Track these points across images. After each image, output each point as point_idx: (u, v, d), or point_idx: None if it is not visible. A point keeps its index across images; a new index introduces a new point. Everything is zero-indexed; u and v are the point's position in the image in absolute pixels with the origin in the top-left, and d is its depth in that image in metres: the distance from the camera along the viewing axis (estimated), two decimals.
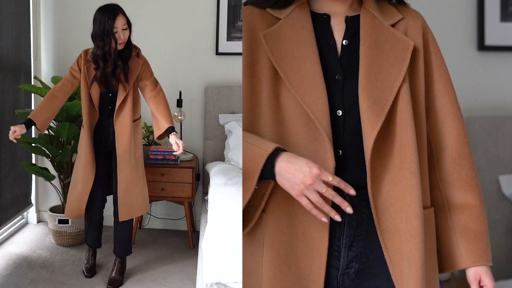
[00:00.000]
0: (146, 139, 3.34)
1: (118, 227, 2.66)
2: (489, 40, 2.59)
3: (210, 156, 3.40)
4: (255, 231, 1.26)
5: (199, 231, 3.03)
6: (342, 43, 1.28)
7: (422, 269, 1.19)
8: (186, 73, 3.46)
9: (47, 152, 3.08)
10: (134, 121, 2.57)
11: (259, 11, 1.31)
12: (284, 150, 1.19)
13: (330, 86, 1.24)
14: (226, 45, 3.42)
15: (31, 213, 3.59)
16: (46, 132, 3.19)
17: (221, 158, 3.36)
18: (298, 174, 1.14)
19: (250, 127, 1.28)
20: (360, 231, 1.24)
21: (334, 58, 1.26)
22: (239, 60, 3.41)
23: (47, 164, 3.41)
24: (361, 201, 1.23)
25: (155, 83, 2.59)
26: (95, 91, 2.53)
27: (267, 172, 1.18)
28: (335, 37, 1.28)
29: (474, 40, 2.60)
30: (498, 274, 2.48)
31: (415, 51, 1.27)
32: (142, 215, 3.49)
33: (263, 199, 1.24)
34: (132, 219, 2.68)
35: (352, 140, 1.23)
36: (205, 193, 3.17)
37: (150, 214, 3.59)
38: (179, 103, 3.30)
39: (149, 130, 3.35)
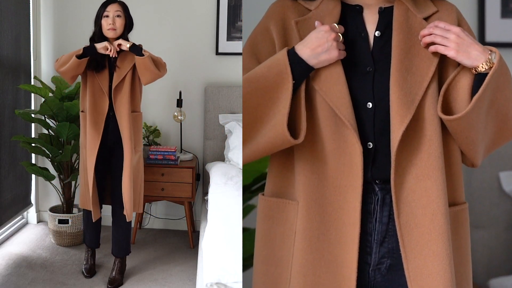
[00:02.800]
0: (146, 139, 3.34)
1: (116, 227, 2.66)
2: (489, 37, 2.59)
3: (210, 156, 3.40)
4: (287, 220, 1.28)
5: (199, 231, 3.02)
6: (374, 34, 1.28)
7: (451, 266, 1.19)
8: (186, 73, 3.46)
9: (47, 152, 3.08)
10: (133, 112, 2.54)
11: (291, 2, 1.34)
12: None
13: (360, 78, 1.25)
14: (226, 45, 3.42)
15: (31, 213, 3.59)
16: (46, 132, 3.19)
17: (221, 158, 3.36)
18: (322, 42, 1.21)
19: None
20: (391, 226, 1.24)
21: (366, 49, 1.26)
22: (239, 60, 3.40)
23: (47, 164, 3.40)
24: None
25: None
26: (103, 79, 2.50)
27: (299, 65, 1.22)
28: (367, 28, 1.28)
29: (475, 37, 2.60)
30: (498, 271, 2.48)
31: None
32: (142, 215, 3.49)
33: (301, 103, 1.24)
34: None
35: (383, 133, 1.23)
36: (205, 193, 3.17)
37: (150, 214, 3.59)
38: (179, 103, 3.30)
39: (149, 130, 3.35)
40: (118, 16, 2.43)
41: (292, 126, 1.24)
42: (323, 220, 1.23)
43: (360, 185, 1.20)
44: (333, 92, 1.22)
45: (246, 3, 2.63)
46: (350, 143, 1.21)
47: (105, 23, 2.43)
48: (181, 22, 3.44)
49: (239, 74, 3.41)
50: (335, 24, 1.23)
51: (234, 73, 3.44)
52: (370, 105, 1.24)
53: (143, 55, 2.41)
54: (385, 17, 1.28)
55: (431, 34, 1.21)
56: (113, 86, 2.47)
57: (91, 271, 2.76)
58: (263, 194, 1.37)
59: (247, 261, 2.28)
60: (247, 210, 2.39)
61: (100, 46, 2.42)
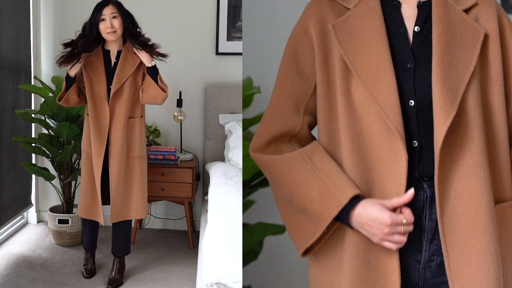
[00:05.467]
0: (146, 139, 3.34)
1: (116, 227, 2.65)
2: None
3: (210, 156, 3.40)
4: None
5: (199, 231, 3.02)
6: (413, 29, 1.25)
7: (494, 265, 1.17)
8: (186, 73, 3.46)
9: (47, 152, 3.08)
10: (130, 118, 2.51)
11: (328, 1, 1.30)
12: (358, 196, 1.21)
13: (402, 75, 1.22)
14: (226, 45, 3.42)
15: (31, 213, 3.59)
16: (46, 132, 3.19)
17: (221, 158, 3.36)
18: (373, 225, 1.17)
19: (327, 125, 1.29)
20: None
21: (405, 45, 1.24)
22: (239, 60, 3.40)
23: (47, 164, 3.40)
24: None
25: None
26: (101, 85, 2.49)
27: (342, 218, 1.22)
28: (406, 24, 1.26)
29: None
30: None
31: (486, 39, 1.24)
32: None
33: (328, 234, 1.27)
34: (130, 220, 2.67)
35: (427, 130, 1.21)
36: (205, 193, 3.17)
37: (150, 214, 3.59)
38: (179, 103, 3.30)
39: (149, 130, 3.35)
40: (114, 17, 2.39)
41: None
42: None
43: (403, 193, 1.18)
44: (382, 97, 1.20)
45: (246, 3, 2.63)
46: (395, 150, 1.19)
47: (103, 27, 2.39)
48: (181, 22, 3.44)
49: (239, 74, 3.41)
50: (400, 216, 1.16)
51: (234, 73, 3.44)
52: (412, 102, 1.21)
53: (158, 85, 2.42)
54: (424, 11, 1.26)
55: None
56: (112, 92, 2.45)
57: (90, 272, 2.76)
58: None
59: (247, 257, 2.29)
60: (246, 205, 2.40)
61: (72, 72, 2.44)
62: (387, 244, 1.18)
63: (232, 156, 3.08)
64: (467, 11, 1.26)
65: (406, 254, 1.22)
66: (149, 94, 2.46)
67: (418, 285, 1.24)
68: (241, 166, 2.91)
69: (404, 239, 1.17)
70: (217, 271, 1.72)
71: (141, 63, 2.48)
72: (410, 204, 1.21)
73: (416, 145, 1.22)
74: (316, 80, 1.29)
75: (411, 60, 1.23)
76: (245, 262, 2.28)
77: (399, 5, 1.27)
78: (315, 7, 1.31)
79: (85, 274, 2.75)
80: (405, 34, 1.25)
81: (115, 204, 2.52)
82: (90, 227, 2.73)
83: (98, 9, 2.40)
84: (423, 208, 1.23)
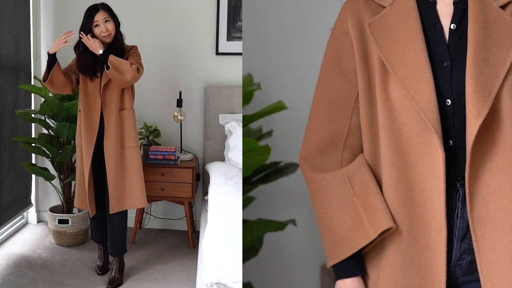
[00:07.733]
0: (146, 139, 3.34)
1: (111, 225, 2.66)
2: None
3: (210, 156, 3.40)
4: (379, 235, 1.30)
5: (199, 231, 3.02)
6: (449, 27, 1.25)
7: None
8: (186, 73, 3.46)
9: (47, 152, 3.08)
10: (122, 110, 2.55)
11: (363, 1, 1.30)
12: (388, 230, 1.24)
13: (438, 74, 1.22)
14: (226, 45, 3.42)
15: (31, 213, 3.59)
16: (46, 132, 3.18)
17: (221, 158, 3.36)
18: None
19: (369, 125, 1.29)
20: None
21: (442, 43, 1.24)
22: (239, 60, 3.40)
23: (47, 164, 3.40)
24: None
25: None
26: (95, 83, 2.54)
27: (338, 269, 1.29)
28: (441, 21, 1.26)
29: None
30: None
31: None
32: (142, 215, 3.49)
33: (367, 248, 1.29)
34: (125, 217, 2.66)
35: (463, 130, 1.20)
36: (205, 193, 3.17)
37: (150, 214, 3.59)
38: (179, 103, 3.30)
39: (149, 130, 3.35)
40: (107, 21, 2.47)
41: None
42: (412, 223, 1.22)
43: (443, 191, 1.18)
44: (419, 95, 1.19)
45: (246, 3, 2.63)
46: (434, 147, 1.19)
47: (98, 32, 2.47)
48: (181, 22, 3.44)
49: (239, 74, 3.41)
50: None
51: (234, 73, 3.44)
52: (449, 102, 1.21)
53: (109, 67, 2.40)
54: (460, 8, 1.25)
55: None
56: (102, 85, 2.51)
57: (103, 269, 2.79)
58: None
59: (247, 253, 2.29)
60: (246, 202, 2.40)
61: (52, 49, 2.43)
62: None
63: (232, 156, 3.08)
64: (503, 7, 1.25)
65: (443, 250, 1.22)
66: (113, 78, 2.45)
67: (448, 283, 1.24)
68: (241, 166, 2.91)
69: None
70: (217, 271, 1.72)
71: (127, 53, 2.54)
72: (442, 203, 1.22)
73: (451, 144, 1.21)
74: (358, 79, 1.30)
75: (447, 59, 1.22)
76: (245, 258, 2.28)
77: (434, 3, 1.27)
78: (351, 7, 1.31)
79: (97, 271, 2.78)
80: (441, 32, 1.25)
81: (114, 195, 2.55)
82: (96, 218, 2.74)
83: (90, 16, 2.46)
84: (455, 207, 1.23)
